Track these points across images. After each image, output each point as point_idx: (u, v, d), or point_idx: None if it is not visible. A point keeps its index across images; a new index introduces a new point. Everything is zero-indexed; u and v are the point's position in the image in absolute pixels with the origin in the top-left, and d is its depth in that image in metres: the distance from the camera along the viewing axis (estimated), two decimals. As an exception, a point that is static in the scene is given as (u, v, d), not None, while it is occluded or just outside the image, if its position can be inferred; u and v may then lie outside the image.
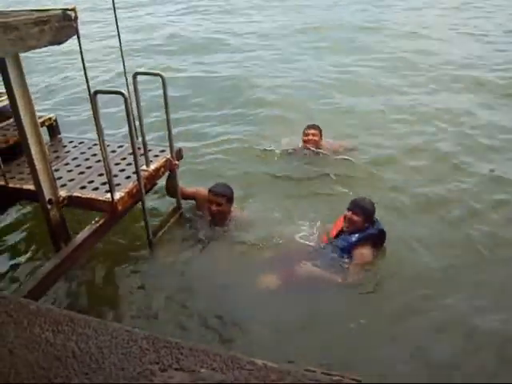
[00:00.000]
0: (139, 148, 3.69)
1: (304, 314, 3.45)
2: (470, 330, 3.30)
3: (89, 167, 4.03)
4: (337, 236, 4.05)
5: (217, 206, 4.18)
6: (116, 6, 3.50)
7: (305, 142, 5.73)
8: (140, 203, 3.77)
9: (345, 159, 5.62)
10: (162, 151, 4.23)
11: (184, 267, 3.93)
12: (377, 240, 3.97)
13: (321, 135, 5.75)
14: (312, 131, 5.70)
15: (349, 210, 3.99)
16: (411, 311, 3.49)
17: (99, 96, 3.15)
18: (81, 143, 4.54)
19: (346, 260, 3.87)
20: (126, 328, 1.57)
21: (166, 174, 4.21)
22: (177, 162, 4.16)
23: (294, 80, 8.76)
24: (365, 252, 3.87)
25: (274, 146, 5.90)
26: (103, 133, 3.24)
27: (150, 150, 4.02)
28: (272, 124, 6.85)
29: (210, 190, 4.23)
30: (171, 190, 4.36)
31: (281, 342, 3.20)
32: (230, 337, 3.27)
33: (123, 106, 3.18)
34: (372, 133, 6.43)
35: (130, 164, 3.97)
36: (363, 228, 3.94)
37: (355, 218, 3.93)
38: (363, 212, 3.94)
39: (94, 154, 4.22)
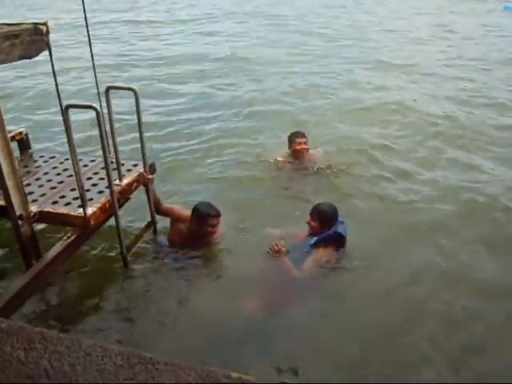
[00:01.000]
0: (112, 162, 3.67)
1: (281, 326, 3.49)
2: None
3: (60, 182, 3.98)
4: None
5: (215, 227, 4.19)
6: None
7: (297, 152, 5.57)
8: (113, 218, 3.73)
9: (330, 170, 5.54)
10: (135, 165, 4.20)
11: (158, 283, 3.91)
12: (333, 242, 4.11)
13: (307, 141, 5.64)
14: (304, 139, 5.57)
15: (309, 214, 4.24)
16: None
17: (71, 110, 3.13)
18: (52, 158, 4.48)
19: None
20: (99, 344, 1.56)
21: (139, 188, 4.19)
22: (150, 177, 4.14)
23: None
24: (320, 252, 4.05)
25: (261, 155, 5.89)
26: (75, 147, 3.21)
27: (122, 165, 4.00)
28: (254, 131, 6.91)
29: (209, 215, 4.13)
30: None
31: (256, 355, 3.20)
32: (205, 351, 3.25)
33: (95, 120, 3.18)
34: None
35: (102, 178, 3.93)
36: (321, 231, 4.12)
37: (312, 222, 4.19)
38: (318, 217, 4.16)
39: (66, 169, 4.17)
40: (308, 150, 5.62)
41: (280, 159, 5.65)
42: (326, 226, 4.13)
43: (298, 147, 5.53)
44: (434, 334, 3.42)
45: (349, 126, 7.07)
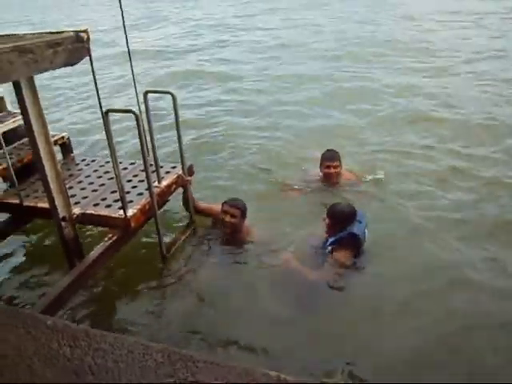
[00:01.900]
0: (151, 165, 3.74)
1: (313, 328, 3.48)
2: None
3: (102, 184, 4.09)
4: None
5: (231, 217, 4.21)
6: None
7: (326, 175, 5.19)
8: (153, 219, 3.80)
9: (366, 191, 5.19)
10: (174, 167, 4.28)
11: (198, 283, 3.95)
12: (349, 243, 4.00)
13: (340, 163, 5.19)
14: (334, 163, 5.13)
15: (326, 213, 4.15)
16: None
17: (111, 115, 3.21)
18: (93, 161, 4.61)
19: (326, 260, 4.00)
20: (141, 342, 1.60)
21: (179, 190, 4.26)
22: (189, 178, 4.21)
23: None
24: (337, 255, 3.96)
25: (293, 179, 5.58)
26: (115, 150, 3.30)
27: (161, 167, 4.08)
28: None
29: (225, 202, 4.28)
30: (186, 205, 4.41)
31: (293, 356, 3.21)
32: (243, 351, 3.27)
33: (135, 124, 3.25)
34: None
35: (142, 181, 4.03)
36: (335, 232, 4.03)
37: (326, 221, 4.09)
38: (332, 216, 4.06)
39: (107, 172, 4.28)
40: (338, 173, 5.20)
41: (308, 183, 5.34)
42: (338, 226, 4.01)
43: (326, 171, 5.18)
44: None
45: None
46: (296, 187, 5.30)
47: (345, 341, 3.33)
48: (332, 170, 5.13)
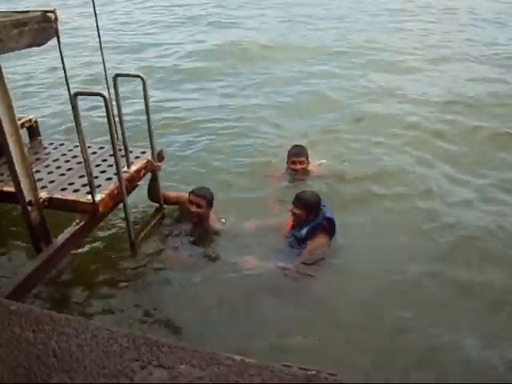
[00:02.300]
0: (120, 149, 3.70)
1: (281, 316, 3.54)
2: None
3: (69, 169, 4.02)
4: (291, 229, 4.22)
5: (197, 207, 4.22)
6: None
7: (292, 171, 5.13)
8: (121, 205, 3.77)
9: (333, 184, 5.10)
10: (143, 152, 4.23)
11: (164, 271, 3.97)
12: (326, 228, 4.09)
13: (307, 159, 5.15)
14: (300, 159, 5.08)
15: (292, 204, 4.12)
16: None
17: (80, 97, 3.15)
18: (61, 145, 4.53)
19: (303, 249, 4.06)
20: (106, 327, 1.60)
21: (148, 175, 4.23)
22: (158, 164, 4.18)
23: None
24: (316, 241, 4.04)
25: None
26: (84, 134, 3.24)
27: (130, 152, 4.02)
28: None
29: (191, 191, 4.29)
30: (153, 192, 4.38)
31: (257, 339, 3.25)
32: (208, 336, 3.30)
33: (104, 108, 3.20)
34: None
35: (110, 165, 3.97)
36: (308, 220, 4.06)
37: (297, 211, 4.07)
38: (304, 205, 4.06)
39: (75, 156, 4.21)
40: (304, 169, 5.14)
41: (271, 174, 5.32)
42: (312, 214, 4.06)
43: (292, 166, 5.12)
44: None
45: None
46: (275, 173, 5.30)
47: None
48: (298, 166, 5.08)
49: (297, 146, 5.23)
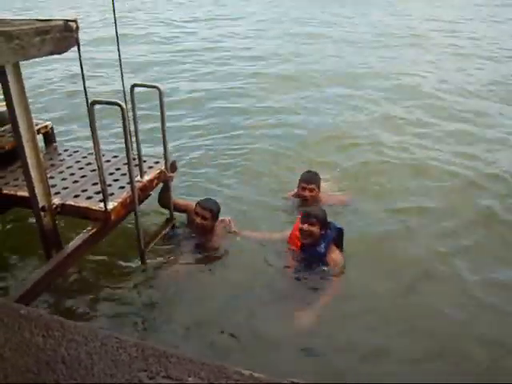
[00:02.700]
0: (134, 159, 3.72)
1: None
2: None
3: (83, 176, 4.05)
4: (301, 248, 4.14)
5: (202, 219, 4.25)
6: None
7: (301, 197, 4.97)
8: (133, 214, 3.78)
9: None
10: (157, 162, 4.26)
11: (173, 280, 3.98)
12: (339, 239, 4.14)
13: (319, 187, 4.96)
14: (310, 186, 4.88)
15: (303, 222, 4.04)
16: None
17: (96, 106, 3.18)
18: (76, 152, 4.56)
19: (325, 268, 4.02)
20: (115, 335, 1.59)
21: (160, 185, 4.25)
22: (171, 174, 4.19)
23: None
24: (336, 254, 4.06)
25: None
26: (99, 143, 3.27)
27: (144, 161, 4.05)
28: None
29: (198, 203, 4.31)
30: (164, 201, 4.40)
31: (268, 354, 3.23)
32: (218, 348, 3.29)
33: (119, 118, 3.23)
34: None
35: (124, 174, 4.00)
36: (320, 235, 4.04)
37: (312, 228, 4.00)
38: (318, 221, 4.02)
39: (89, 163, 4.24)
40: (314, 197, 4.93)
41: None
42: (325, 229, 4.06)
43: (301, 193, 4.94)
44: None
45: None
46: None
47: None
48: (307, 193, 4.89)
49: (309, 171, 5.04)
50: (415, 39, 13.71)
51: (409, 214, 4.97)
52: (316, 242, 4.04)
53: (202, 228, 4.29)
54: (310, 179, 4.93)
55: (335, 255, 4.05)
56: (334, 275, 3.97)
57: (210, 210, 4.27)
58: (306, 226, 4.02)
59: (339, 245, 4.15)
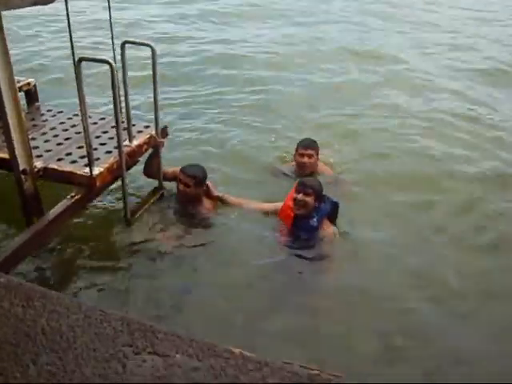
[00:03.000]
0: (122, 122, 3.68)
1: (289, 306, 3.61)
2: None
3: (67, 138, 4.01)
4: (293, 220, 4.16)
5: (184, 186, 4.23)
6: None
7: (299, 164, 4.93)
8: (120, 180, 3.77)
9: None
10: (147, 127, 4.22)
11: (160, 249, 3.99)
12: (332, 214, 4.18)
13: (317, 154, 4.93)
14: (308, 152, 4.85)
15: (298, 192, 4.05)
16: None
17: (84, 64, 3.13)
18: (60, 112, 4.51)
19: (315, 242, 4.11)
20: (99, 308, 1.60)
21: (149, 151, 4.22)
22: (162, 140, 4.16)
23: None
24: (329, 229, 4.12)
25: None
26: (86, 103, 3.23)
27: (133, 125, 4.01)
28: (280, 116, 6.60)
29: (181, 169, 4.28)
30: (151, 169, 4.37)
31: (257, 332, 3.28)
32: (205, 323, 3.31)
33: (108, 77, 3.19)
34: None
35: (111, 138, 3.96)
36: (314, 208, 4.08)
37: (307, 198, 4.03)
38: (314, 191, 4.04)
39: (74, 125, 4.20)
40: (313, 165, 4.92)
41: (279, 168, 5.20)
42: (319, 201, 4.10)
43: (299, 159, 4.91)
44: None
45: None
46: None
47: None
48: (305, 159, 4.85)
49: (308, 138, 5.04)
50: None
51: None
52: (309, 214, 4.07)
53: (184, 195, 4.27)
54: (309, 145, 4.93)
55: (329, 229, 4.09)
56: (325, 251, 4.06)
57: (194, 176, 4.22)
58: (300, 196, 4.03)
59: (333, 219, 4.19)
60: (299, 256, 3.99)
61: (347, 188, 4.95)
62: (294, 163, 5.08)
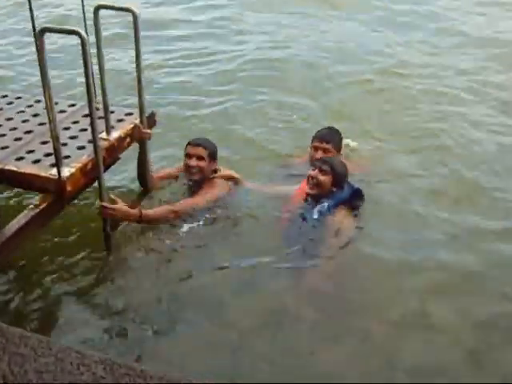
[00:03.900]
0: (98, 109, 3.67)
1: None
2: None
3: (28, 132, 4.02)
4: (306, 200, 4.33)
5: (197, 159, 4.31)
6: None
7: (311, 159, 4.93)
8: (96, 183, 3.76)
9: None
10: (129, 114, 4.22)
11: (146, 271, 4.00)
12: (352, 202, 4.30)
13: (338, 149, 4.97)
14: (324, 145, 4.86)
15: (314, 168, 4.23)
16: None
17: (48, 36, 3.13)
18: (18, 98, 4.54)
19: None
20: (75, 349, 1.59)
21: (133, 145, 4.22)
22: (148, 131, 4.14)
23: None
24: (341, 221, 4.20)
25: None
26: (50, 86, 3.22)
27: (112, 112, 4.02)
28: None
29: (189, 142, 4.40)
30: (138, 171, 4.39)
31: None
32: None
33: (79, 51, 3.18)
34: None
35: (84, 130, 3.97)
36: (330, 192, 4.21)
37: (322, 177, 4.17)
38: (333, 170, 4.18)
39: (37, 115, 4.22)
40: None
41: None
42: (337, 186, 4.22)
43: (313, 154, 4.93)
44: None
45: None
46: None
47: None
48: (319, 154, 4.82)
49: (330, 128, 5.08)
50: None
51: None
52: (322, 196, 4.20)
53: (199, 172, 4.34)
54: (325, 136, 4.94)
55: (342, 218, 4.19)
56: (326, 248, 4.11)
57: (205, 146, 4.34)
58: (315, 173, 4.19)
59: (354, 208, 4.30)
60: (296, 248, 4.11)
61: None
62: (305, 157, 5.14)
